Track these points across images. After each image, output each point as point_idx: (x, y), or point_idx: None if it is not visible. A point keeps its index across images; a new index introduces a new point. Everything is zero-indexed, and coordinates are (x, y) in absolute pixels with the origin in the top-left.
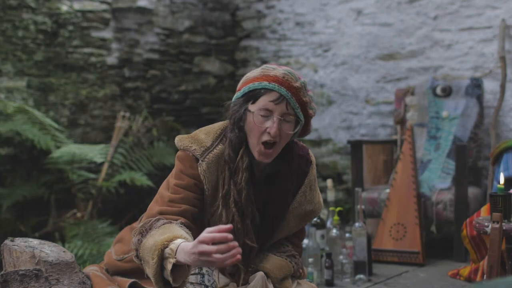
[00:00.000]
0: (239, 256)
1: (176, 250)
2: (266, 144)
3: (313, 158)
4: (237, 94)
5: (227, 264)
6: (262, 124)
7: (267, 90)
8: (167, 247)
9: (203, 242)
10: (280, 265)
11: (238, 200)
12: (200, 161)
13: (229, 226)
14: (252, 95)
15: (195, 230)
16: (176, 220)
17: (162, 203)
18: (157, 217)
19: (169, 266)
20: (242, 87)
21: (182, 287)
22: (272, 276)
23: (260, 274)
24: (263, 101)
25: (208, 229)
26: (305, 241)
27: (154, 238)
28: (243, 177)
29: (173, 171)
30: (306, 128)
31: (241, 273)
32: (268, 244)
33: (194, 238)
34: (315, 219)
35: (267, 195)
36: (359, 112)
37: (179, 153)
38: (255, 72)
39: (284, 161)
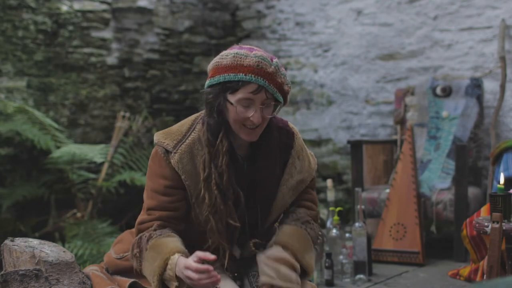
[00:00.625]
0: (217, 279)
1: (175, 268)
2: (250, 126)
3: (294, 129)
4: (211, 81)
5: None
6: (245, 114)
7: (244, 82)
8: (164, 270)
9: (189, 268)
10: (297, 235)
11: (219, 182)
12: (172, 154)
13: (213, 257)
14: (229, 87)
15: (177, 227)
16: (153, 225)
17: (142, 213)
18: (138, 236)
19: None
20: (216, 75)
21: None
22: (292, 249)
23: (263, 256)
24: (242, 93)
25: (197, 254)
26: None
27: (149, 265)
28: (224, 160)
29: (148, 170)
30: (284, 101)
31: (226, 251)
32: (268, 222)
33: (180, 232)
34: None
35: (253, 174)
36: (359, 112)
37: (153, 150)
38: (227, 59)
39: (265, 137)
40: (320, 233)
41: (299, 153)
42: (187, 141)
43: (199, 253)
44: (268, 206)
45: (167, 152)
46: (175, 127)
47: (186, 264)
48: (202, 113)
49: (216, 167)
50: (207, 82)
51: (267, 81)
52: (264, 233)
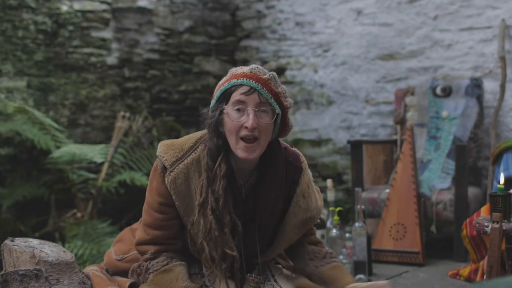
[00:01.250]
0: None
1: None
2: (246, 139)
3: (304, 165)
4: (212, 102)
5: None
6: (238, 119)
7: (237, 86)
8: None
9: None
10: (339, 270)
11: (215, 208)
12: (168, 171)
13: None
14: (225, 96)
15: (173, 246)
16: (148, 254)
17: (141, 226)
18: (137, 264)
19: None
20: (215, 94)
21: None
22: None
23: None
24: (235, 96)
25: None
26: None
27: None
28: (221, 184)
29: (148, 182)
30: (285, 124)
31: (220, 281)
32: (269, 257)
33: (177, 249)
34: None
35: (253, 204)
36: (359, 112)
37: (155, 162)
38: (224, 78)
39: (270, 167)
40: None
41: (304, 191)
42: (186, 160)
43: None
44: (267, 239)
45: (165, 168)
46: (179, 141)
47: None
48: (205, 135)
49: (213, 192)
50: (211, 104)
51: (259, 85)
52: (263, 269)
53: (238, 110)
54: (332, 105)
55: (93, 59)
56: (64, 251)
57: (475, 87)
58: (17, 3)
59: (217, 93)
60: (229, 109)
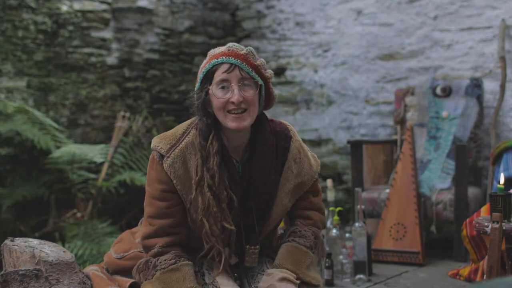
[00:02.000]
0: None
1: None
2: (235, 112)
3: (293, 132)
4: (196, 86)
5: None
6: (223, 97)
7: (217, 65)
8: None
9: None
10: (294, 254)
11: (211, 184)
12: (165, 158)
13: None
14: (207, 77)
15: (179, 235)
16: (156, 248)
17: (144, 220)
18: (145, 260)
19: None
20: (198, 77)
21: None
22: (291, 270)
23: None
24: (217, 75)
25: None
26: None
27: None
28: (215, 161)
29: (147, 176)
30: (269, 94)
31: (222, 255)
32: (269, 226)
33: (178, 239)
34: None
35: (248, 178)
36: (359, 112)
37: (150, 155)
38: (204, 61)
39: (261, 140)
40: (317, 239)
41: (295, 156)
42: (180, 145)
43: None
44: (265, 211)
45: (162, 156)
46: (171, 131)
47: None
48: (195, 120)
49: (208, 169)
50: (195, 89)
51: (239, 60)
52: (264, 240)
53: (223, 88)
54: (332, 105)
55: (93, 59)
56: (64, 251)
57: (475, 87)
58: (17, 3)
59: (199, 75)
60: (214, 89)
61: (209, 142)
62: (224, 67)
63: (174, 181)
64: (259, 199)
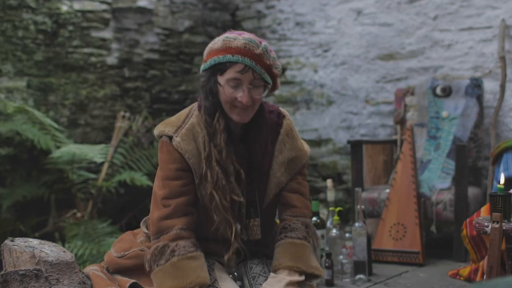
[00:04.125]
0: None
1: None
2: (240, 108)
3: (285, 112)
4: (204, 66)
5: None
6: (233, 94)
7: (232, 63)
8: None
9: None
10: (294, 249)
11: (219, 159)
12: (174, 137)
13: None
14: (219, 68)
15: (194, 215)
16: (175, 230)
17: (157, 205)
18: (162, 245)
19: None
20: (208, 59)
21: None
22: (294, 266)
23: None
24: (230, 73)
25: None
26: None
27: (162, 276)
28: (222, 137)
29: (159, 162)
30: (274, 85)
31: (232, 227)
32: (266, 200)
33: (194, 220)
34: (314, 218)
35: (248, 153)
36: (359, 112)
37: (159, 143)
38: (217, 44)
39: (256, 118)
40: (308, 228)
41: (288, 131)
42: (186, 125)
43: None
44: (264, 185)
45: (170, 138)
46: (173, 118)
47: None
48: (196, 103)
49: (215, 145)
50: (202, 67)
51: (254, 62)
52: (263, 229)
53: (233, 85)
54: (332, 105)
55: (93, 59)
56: (64, 251)
57: (475, 87)
58: (17, 3)
59: (210, 60)
60: (224, 83)
61: (215, 119)
62: (239, 67)
63: (186, 156)
64: (259, 171)
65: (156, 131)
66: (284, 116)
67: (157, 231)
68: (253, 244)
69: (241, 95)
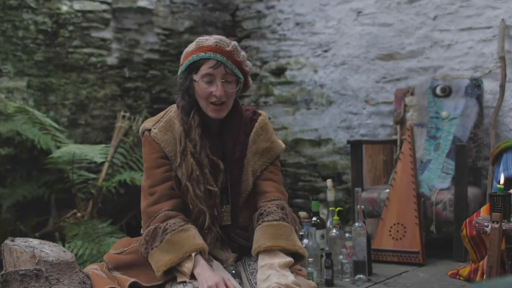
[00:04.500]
0: None
1: (196, 267)
2: (215, 104)
3: (262, 113)
4: (181, 68)
5: None
6: (207, 89)
7: (205, 60)
8: (178, 265)
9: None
10: (274, 229)
11: (194, 152)
12: (152, 129)
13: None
14: (194, 67)
15: (180, 198)
16: (162, 212)
17: (144, 196)
18: (154, 227)
19: (182, 277)
20: (184, 62)
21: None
22: (278, 246)
23: None
24: (204, 69)
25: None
26: (305, 241)
27: (160, 255)
28: (196, 132)
29: (143, 157)
30: (246, 84)
31: (206, 215)
32: (243, 191)
33: (180, 203)
34: (314, 218)
35: (223, 146)
36: (359, 112)
37: (142, 140)
38: (191, 47)
39: (231, 114)
40: (284, 209)
41: (262, 125)
42: (164, 119)
43: (228, 283)
44: (238, 173)
45: (149, 130)
46: (153, 117)
47: (216, 280)
48: (174, 105)
49: (190, 140)
50: (179, 70)
51: (225, 57)
52: (238, 204)
53: (208, 81)
54: (332, 105)
55: (93, 59)
56: (64, 251)
57: (475, 87)
58: (17, 3)
59: (186, 62)
60: (199, 80)
61: (191, 116)
62: (211, 62)
63: (162, 145)
64: (231, 159)
65: (140, 131)
66: (260, 114)
67: (146, 219)
68: (243, 238)
69: (215, 89)
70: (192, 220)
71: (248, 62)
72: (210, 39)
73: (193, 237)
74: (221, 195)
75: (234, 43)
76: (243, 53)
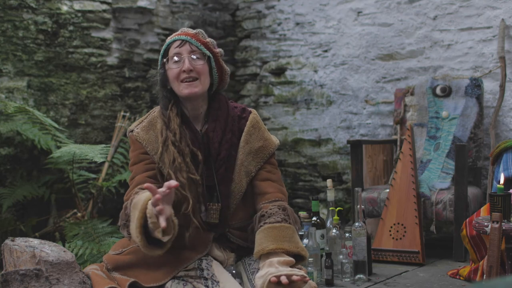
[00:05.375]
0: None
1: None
2: (187, 80)
3: (253, 110)
4: (157, 70)
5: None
6: (177, 67)
7: (171, 43)
8: (146, 222)
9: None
10: (276, 232)
11: (174, 140)
12: (134, 130)
13: (176, 183)
14: (164, 55)
15: (157, 185)
16: (136, 190)
17: (129, 189)
18: (123, 206)
19: (163, 237)
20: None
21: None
22: (281, 248)
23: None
24: (172, 50)
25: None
26: (305, 241)
27: (132, 223)
28: (175, 121)
29: (130, 153)
30: (221, 68)
31: (189, 202)
32: (235, 191)
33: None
34: (314, 218)
35: (207, 140)
36: (359, 112)
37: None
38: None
39: (215, 108)
40: (285, 211)
41: (254, 123)
42: (147, 119)
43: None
44: (227, 171)
45: (132, 131)
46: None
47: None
48: (158, 106)
49: (170, 130)
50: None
51: (189, 37)
52: (229, 203)
53: (176, 61)
54: (332, 105)
55: (93, 59)
56: (64, 251)
57: (475, 87)
58: (17, 3)
59: (159, 58)
60: (170, 63)
61: (169, 108)
62: (177, 43)
63: (143, 143)
64: (217, 158)
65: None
66: (250, 111)
67: (125, 205)
68: (241, 238)
69: (183, 64)
70: (174, 209)
71: (219, 49)
72: (176, 32)
73: (147, 194)
74: (211, 193)
75: (200, 30)
76: (212, 39)
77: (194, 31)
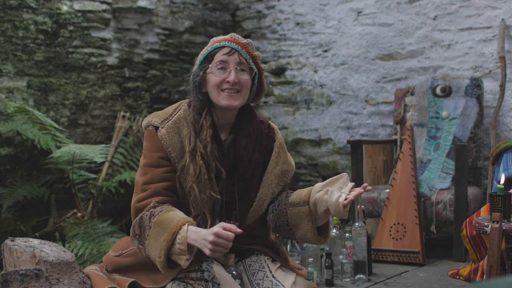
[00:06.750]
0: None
1: (186, 239)
2: (228, 91)
3: (275, 126)
4: (195, 67)
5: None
6: (221, 75)
7: (219, 48)
8: (173, 244)
9: (217, 234)
10: (295, 195)
11: (204, 153)
12: (159, 128)
13: (239, 230)
14: (208, 58)
15: (173, 199)
16: (151, 204)
17: (137, 191)
18: (139, 217)
19: (184, 263)
20: (197, 60)
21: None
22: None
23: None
24: (218, 56)
25: (223, 225)
26: None
27: (154, 241)
28: (208, 133)
29: (143, 150)
30: (261, 84)
31: (208, 221)
32: (256, 209)
33: (176, 205)
34: None
35: (233, 155)
36: (359, 112)
37: (145, 132)
38: (206, 47)
39: (245, 122)
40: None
41: (282, 145)
42: (173, 118)
43: (224, 224)
44: (249, 191)
45: (156, 128)
46: (161, 111)
47: (213, 230)
48: (184, 100)
49: (201, 140)
50: (193, 70)
51: (239, 46)
52: (258, 231)
53: (221, 68)
54: (332, 105)
55: (93, 59)
56: (64, 251)
57: (475, 87)
58: (17, 3)
59: (200, 57)
60: (213, 68)
61: (203, 116)
62: (225, 50)
63: (169, 149)
64: (242, 176)
65: (144, 122)
66: (274, 129)
67: (135, 213)
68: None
69: (228, 75)
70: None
71: (263, 65)
72: (224, 36)
73: (177, 215)
74: (229, 209)
75: (250, 40)
76: (258, 52)
77: (245, 40)
